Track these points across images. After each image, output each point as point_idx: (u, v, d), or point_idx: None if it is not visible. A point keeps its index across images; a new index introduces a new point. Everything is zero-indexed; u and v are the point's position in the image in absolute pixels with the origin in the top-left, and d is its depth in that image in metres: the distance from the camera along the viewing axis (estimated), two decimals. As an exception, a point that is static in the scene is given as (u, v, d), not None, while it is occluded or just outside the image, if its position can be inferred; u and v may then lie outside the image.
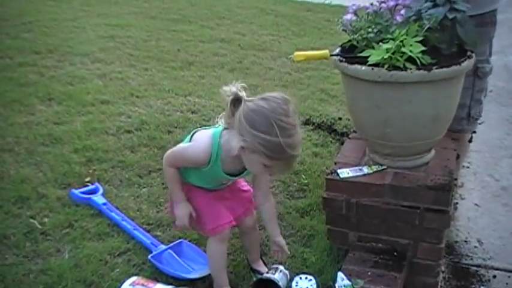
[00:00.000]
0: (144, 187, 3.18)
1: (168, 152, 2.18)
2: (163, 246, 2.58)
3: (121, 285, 2.15)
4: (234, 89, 1.98)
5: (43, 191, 3.07)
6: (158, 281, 2.23)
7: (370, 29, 2.25)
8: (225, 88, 2.01)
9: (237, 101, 1.97)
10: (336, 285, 2.19)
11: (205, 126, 3.76)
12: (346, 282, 2.21)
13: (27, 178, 3.18)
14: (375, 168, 2.44)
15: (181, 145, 2.20)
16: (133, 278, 2.17)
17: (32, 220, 2.81)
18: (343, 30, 2.35)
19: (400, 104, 2.19)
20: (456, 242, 3.07)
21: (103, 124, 3.93)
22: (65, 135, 3.72)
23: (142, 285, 2.12)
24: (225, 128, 2.09)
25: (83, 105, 4.25)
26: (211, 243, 2.27)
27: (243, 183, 2.42)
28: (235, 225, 2.31)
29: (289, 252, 2.39)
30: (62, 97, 4.38)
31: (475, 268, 2.86)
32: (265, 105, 1.89)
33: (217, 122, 2.18)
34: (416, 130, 2.27)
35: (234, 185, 2.35)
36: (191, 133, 2.22)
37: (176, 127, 3.95)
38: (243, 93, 1.98)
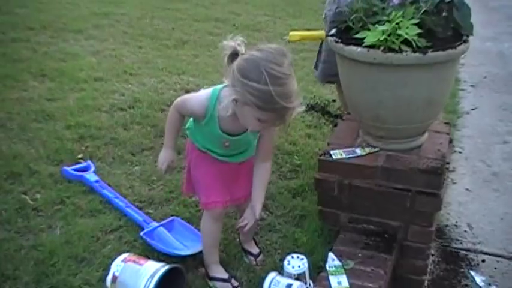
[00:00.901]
0: (137, 165, 3.18)
1: (179, 98, 2.18)
2: (155, 224, 2.58)
3: (112, 261, 2.14)
4: (232, 44, 1.93)
5: (35, 167, 3.06)
6: (149, 258, 2.23)
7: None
8: (225, 42, 1.95)
9: (234, 55, 1.92)
10: (327, 265, 2.21)
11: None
12: (337, 262, 2.22)
13: (19, 154, 3.17)
14: (367, 150, 2.44)
15: (190, 94, 2.21)
16: (125, 255, 2.17)
17: (23, 196, 2.81)
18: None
19: (395, 87, 2.19)
20: (446, 226, 3.09)
21: (96, 101, 3.91)
22: (58, 111, 3.71)
23: (134, 261, 2.11)
24: (225, 87, 2.04)
25: (75, 82, 4.23)
26: (204, 219, 2.28)
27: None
28: (235, 205, 2.33)
29: (258, 218, 2.23)
30: (55, 73, 4.36)
31: (464, 252, 2.88)
32: (259, 55, 1.84)
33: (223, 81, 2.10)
34: (409, 113, 2.27)
35: (246, 166, 2.27)
36: None
37: (169, 105, 3.86)
38: (241, 48, 1.93)
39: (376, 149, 2.44)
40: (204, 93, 2.07)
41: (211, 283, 2.30)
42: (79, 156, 3.19)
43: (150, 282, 2.01)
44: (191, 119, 2.23)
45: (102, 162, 3.17)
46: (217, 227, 2.29)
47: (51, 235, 2.54)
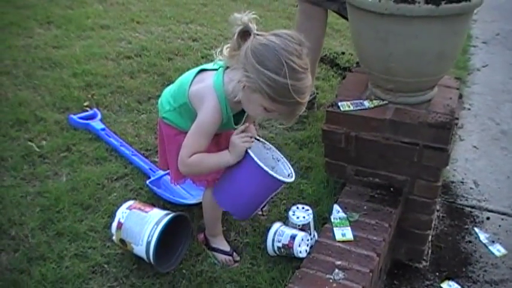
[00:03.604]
0: (143, 113, 3.16)
1: (181, 152, 1.90)
2: (161, 172, 2.58)
3: (117, 209, 2.15)
4: (245, 19, 1.77)
5: (41, 114, 3.05)
6: (155, 206, 2.24)
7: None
8: (236, 15, 1.78)
9: (245, 32, 1.77)
10: (331, 217, 2.21)
11: (206, 55, 3.79)
12: (342, 214, 2.22)
13: (25, 101, 3.16)
14: (376, 102, 2.41)
15: (187, 137, 1.91)
16: (130, 202, 2.17)
17: (30, 143, 2.81)
18: None
19: (406, 39, 2.14)
20: (452, 182, 3.09)
21: (103, 49, 3.87)
22: (64, 59, 3.67)
23: (139, 209, 2.12)
24: (226, 69, 1.90)
25: (82, 29, 4.18)
26: (208, 195, 2.15)
27: None
28: None
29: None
30: (61, 21, 4.31)
31: (469, 209, 2.89)
32: (277, 42, 1.69)
33: (216, 57, 1.90)
34: (420, 66, 2.22)
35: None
36: (178, 85, 2.03)
37: (177, 54, 3.89)
38: (253, 26, 1.77)
39: (384, 102, 2.40)
40: (208, 103, 1.87)
41: (211, 253, 2.25)
42: (85, 104, 3.17)
43: (155, 229, 2.02)
44: (170, 109, 2.04)
45: (108, 110, 3.16)
46: None
47: (57, 182, 2.56)
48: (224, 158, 1.92)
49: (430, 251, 2.61)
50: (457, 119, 2.50)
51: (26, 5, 4.57)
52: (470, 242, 2.67)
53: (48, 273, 2.07)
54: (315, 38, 3.07)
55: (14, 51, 3.76)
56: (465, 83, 4.21)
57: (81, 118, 2.99)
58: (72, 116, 3.00)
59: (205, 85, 1.91)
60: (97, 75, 3.49)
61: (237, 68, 1.80)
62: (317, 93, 3.43)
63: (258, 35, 1.76)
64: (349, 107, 2.39)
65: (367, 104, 2.40)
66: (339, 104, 2.41)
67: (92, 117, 3.02)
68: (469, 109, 3.89)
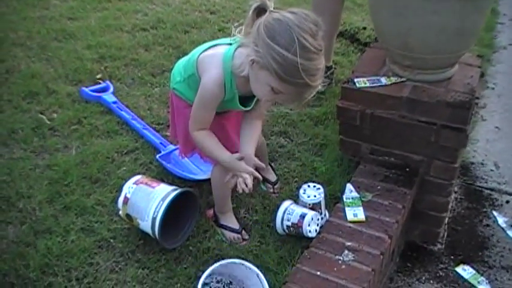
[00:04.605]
0: (157, 86, 3.11)
1: (189, 125, 1.94)
2: (172, 147, 2.54)
3: (125, 183, 2.12)
4: None
5: (53, 86, 3.02)
6: (163, 181, 2.20)
7: None
8: None
9: (261, 9, 1.69)
10: (344, 196, 2.15)
11: (223, 28, 3.72)
12: (354, 194, 2.16)
13: (38, 73, 3.14)
14: (393, 79, 2.32)
15: (193, 108, 1.91)
16: (138, 177, 2.13)
17: (40, 115, 2.79)
18: None
19: (425, 13, 2.04)
20: (472, 163, 2.99)
21: (118, 21, 3.82)
22: (79, 31, 3.64)
23: (146, 184, 2.08)
24: (239, 47, 1.83)
25: (98, 1, 4.15)
26: (216, 171, 2.11)
27: None
28: None
29: (263, 165, 2.04)
30: (78, -8, 4.26)
31: (488, 191, 2.80)
32: (292, 18, 1.60)
33: (233, 34, 1.84)
34: (439, 42, 2.13)
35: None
36: (191, 57, 1.97)
37: (193, 27, 3.83)
38: (270, 3, 1.70)
39: (402, 79, 2.31)
40: (212, 71, 1.83)
41: (219, 230, 2.21)
42: (98, 76, 3.14)
43: (161, 205, 1.98)
44: (181, 80, 2.02)
45: (121, 83, 3.12)
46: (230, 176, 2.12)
47: (66, 155, 2.53)
48: (221, 156, 1.95)
49: (445, 234, 2.54)
50: (478, 98, 2.42)
51: (43, -25, 4.52)
52: (487, 225, 2.59)
53: (54, 246, 2.06)
54: (331, 13, 2.98)
55: (29, 22, 3.73)
56: (490, 61, 4.07)
57: (93, 91, 2.96)
58: (84, 88, 2.97)
59: (214, 54, 1.87)
60: (111, 47, 3.45)
61: (249, 44, 1.71)
62: (335, 68, 3.34)
63: (273, 11, 1.68)
64: (365, 83, 2.31)
65: (384, 80, 2.32)
66: (355, 80, 2.33)
67: (104, 90, 2.98)
68: (492, 88, 3.76)
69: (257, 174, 1.97)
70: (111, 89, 2.99)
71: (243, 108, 1.96)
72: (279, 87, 1.65)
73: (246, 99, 1.95)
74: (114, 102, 2.86)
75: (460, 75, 2.34)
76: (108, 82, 3.06)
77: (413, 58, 2.23)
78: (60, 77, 3.11)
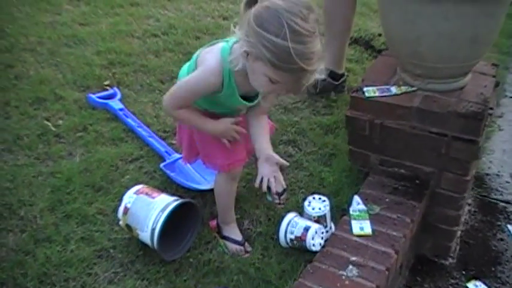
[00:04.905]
0: (165, 93, 3.06)
1: (166, 95, 1.89)
2: (176, 155, 2.50)
3: (125, 192, 2.08)
4: None
5: (61, 92, 3.00)
6: (164, 191, 2.15)
7: None
8: None
9: (252, 1, 1.64)
10: (350, 209, 2.08)
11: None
12: (362, 207, 2.09)
13: (46, 79, 3.12)
14: (404, 89, 2.25)
15: (181, 80, 1.92)
16: (138, 186, 2.09)
17: (46, 122, 2.77)
18: None
19: (436, 21, 1.98)
20: (487, 174, 2.91)
21: (129, 27, 3.81)
22: (89, 36, 3.62)
23: (147, 194, 2.04)
24: (236, 42, 1.77)
25: (111, 6, 4.13)
26: (220, 180, 2.08)
27: None
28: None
29: (281, 163, 1.96)
30: (91, -3, 4.26)
31: (503, 204, 2.71)
32: (281, 4, 1.56)
33: (233, 31, 1.75)
34: (451, 50, 2.06)
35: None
36: (193, 57, 1.94)
37: (205, 33, 3.79)
38: None
39: (413, 88, 2.25)
40: (210, 60, 1.80)
41: (222, 242, 2.16)
42: (106, 82, 3.11)
43: (161, 216, 1.94)
44: (185, 71, 1.98)
45: (129, 90, 3.09)
46: (235, 187, 2.12)
47: (70, 162, 2.50)
48: (206, 125, 1.92)
49: (458, 248, 2.46)
50: (492, 108, 2.33)
51: (57, -20, 4.53)
52: (501, 239, 2.50)
53: (53, 256, 2.03)
54: (342, 19, 2.92)
55: (41, 27, 3.73)
56: (508, 69, 3.98)
57: (100, 97, 2.93)
58: (91, 95, 2.94)
59: (212, 49, 1.84)
60: (121, 53, 3.43)
61: (241, 37, 1.68)
62: (347, 76, 3.28)
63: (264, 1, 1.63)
64: (374, 92, 2.25)
65: (394, 90, 2.26)
66: (364, 89, 2.27)
67: (111, 96, 2.95)
68: (510, 97, 3.67)
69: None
70: (119, 96, 2.96)
71: (246, 103, 1.90)
72: (274, 76, 1.62)
73: (249, 97, 1.91)
74: (121, 109, 2.83)
75: (473, 84, 2.27)
76: (115, 89, 3.04)
77: (424, 67, 2.17)
78: (68, 83, 3.09)
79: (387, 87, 2.28)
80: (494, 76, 2.37)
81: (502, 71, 3.77)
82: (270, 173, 1.92)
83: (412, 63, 2.20)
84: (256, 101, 1.94)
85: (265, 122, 2.04)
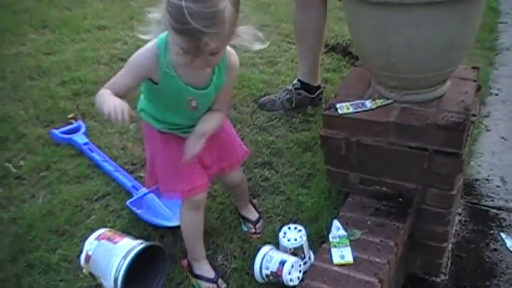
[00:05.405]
0: (133, 122, 2.93)
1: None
2: (144, 190, 2.35)
3: (87, 238, 1.94)
4: None
5: (23, 130, 2.87)
6: (127, 235, 2.00)
7: None
8: None
9: None
10: (330, 235, 1.94)
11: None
12: (342, 232, 1.95)
13: (8, 116, 2.99)
14: (379, 102, 2.12)
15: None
16: (100, 231, 1.95)
17: (7, 164, 2.63)
18: None
19: (406, 30, 1.85)
20: (476, 180, 2.77)
21: (96, 52, 3.68)
22: (54, 66, 3.49)
23: (108, 239, 1.89)
24: None
25: (77, 32, 4.01)
26: (184, 211, 1.97)
27: (232, 139, 2.11)
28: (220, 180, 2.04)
29: (199, 148, 1.82)
30: (57, 24, 4.15)
31: (495, 211, 2.58)
32: None
33: None
34: (426, 60, 1.93)
35: (216, 139, 1.97)
36: None
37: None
38: None
39: (389, 101, 2.11)
40: (147, 45, 1.76)
41: (194, 281, 2.01)
42: (70, 116, 2.97)
43: (123, 263, 1.78)
44: (142, 97, 1.90)
45: (95, 121, 2.95)
46: (200, 217, 1.97)
47: (32, 205, 2.36)
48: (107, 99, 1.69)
49: (449, 262, 2.33)
50: (475, 115, 2.20)
51: (22, 9, 4.42)
52: (495, 250, 2.37)
53: (14, 314, 1.88)
54: (314, 30, 2.80)
55: (4, 60, 3.59)
56: (493, 64, 3.86)
57: (63, 132, 2.78)
58: (54, 130, 2.80)
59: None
60: (86, 82, 3.29)
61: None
62: (324, 88, 3.14)
63: None
64: (348, 109, 2.12)
65: (369, 104, 2.12)
66: (337, 105, 2.14)
67: (76, 130, 2.81)
68: (496, 94, 3.54)
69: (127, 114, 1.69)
70: (83, 129, 2.82)
71: (193, 89, 1.78)
72: (179, 42, 1.55)
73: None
74: (85, 143, 2.69)
75: (453, 92, 2.14)
76: (80, 122, 2.89)
77: (398, 78, 2.04)
78: (31, 119, 2.95)
79: (362, 101, 2.15)
80: (475, 80, 2.25)
81: (485, 67, 3.65)
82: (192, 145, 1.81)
83: (385, 76, 2.08)
84: (205, 91, 1.81)
85: (217, 117, 1.90)
